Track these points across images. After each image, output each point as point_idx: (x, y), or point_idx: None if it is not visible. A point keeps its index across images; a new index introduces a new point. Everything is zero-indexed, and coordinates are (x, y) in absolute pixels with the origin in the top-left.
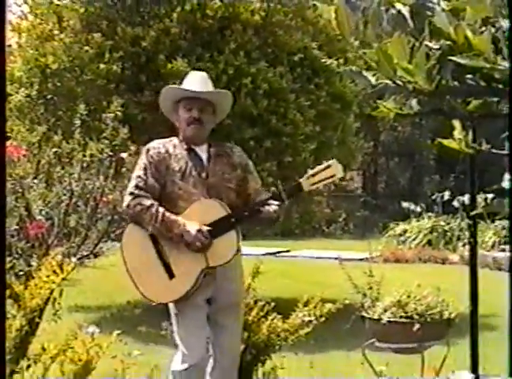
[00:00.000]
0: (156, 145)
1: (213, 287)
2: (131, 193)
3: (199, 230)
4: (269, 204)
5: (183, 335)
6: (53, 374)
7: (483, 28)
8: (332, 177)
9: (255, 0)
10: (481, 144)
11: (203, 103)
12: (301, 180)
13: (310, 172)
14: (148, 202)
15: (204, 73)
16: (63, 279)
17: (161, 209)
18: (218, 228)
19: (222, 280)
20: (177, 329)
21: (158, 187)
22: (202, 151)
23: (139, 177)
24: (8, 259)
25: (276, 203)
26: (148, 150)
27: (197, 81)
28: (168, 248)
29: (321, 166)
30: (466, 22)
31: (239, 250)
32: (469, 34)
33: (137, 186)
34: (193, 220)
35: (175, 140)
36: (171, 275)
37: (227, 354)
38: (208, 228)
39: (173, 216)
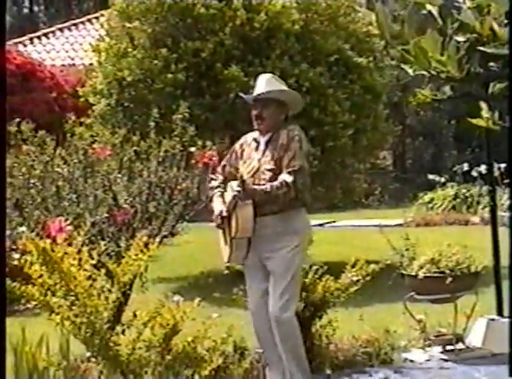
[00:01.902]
0: (242, 137)
1: (260, 254)
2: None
3: (217, 214)
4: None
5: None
6: (145, 336)
7: (506, 21)
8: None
9: (295, 12)
10: (505, 120)
11: (264, 101)
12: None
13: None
14: (212, 183)
15: (267, 75)
16: (149, 256)
17: (216, 190)
18: (230, 207)
19: (262, 249)
20: None
21: (234, 171)
22: (264, 140)
23: (222, 163)
24: (102, 243)
25: (237, 189)
26: (237, 142)
27: (260, 84)
28: (224, 221)
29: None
30: (492, 16)
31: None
32: (495, 26)
33: (216, 171)
34: (225, 200)
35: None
36: (225, 242)
37: (275, 310)
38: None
39: (217, 197)
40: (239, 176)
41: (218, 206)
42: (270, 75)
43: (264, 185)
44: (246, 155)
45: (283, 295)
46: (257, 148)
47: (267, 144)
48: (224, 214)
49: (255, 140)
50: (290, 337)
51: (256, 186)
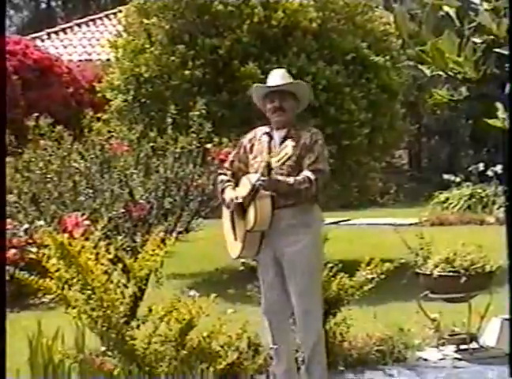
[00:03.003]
0: (251, 132)
1: (276, 249)
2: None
3: (232, 198)
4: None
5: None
6: (161, 331)
7: None
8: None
9: (312, 10)
10: None
11: (283, 93)
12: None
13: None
14: (221, 177)
15: (282, 69)
16: (165, 252)
17: (227, 184)
18: (247, 199)
19: (277, 244)
20: None
21: (243, 166)
22: (279, 135)
23: (229, 159)
24: (118, 238)
25: (262, 179)
26: (244, 137)
27: (276, 77)
28: (236, 215)
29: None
30: (508, 18)
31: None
32: None
33: (224, 166)
34: (237, 193)
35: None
36: (235, 237)
37: (297, 303)
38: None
39: (228, 189)
40: (265, 165)
41: (231, 194)
42: (284, 70)
43: (286, 176)
44: (254, 148)
45: (305, 292)
46: (269, 143)
47: (284, 139)
48: (240, 200)
49: (267, 134)
50: (312, 332)
51: (280, 177)
